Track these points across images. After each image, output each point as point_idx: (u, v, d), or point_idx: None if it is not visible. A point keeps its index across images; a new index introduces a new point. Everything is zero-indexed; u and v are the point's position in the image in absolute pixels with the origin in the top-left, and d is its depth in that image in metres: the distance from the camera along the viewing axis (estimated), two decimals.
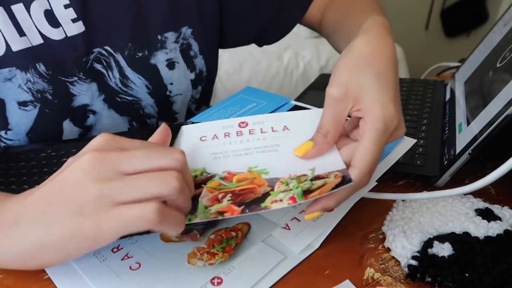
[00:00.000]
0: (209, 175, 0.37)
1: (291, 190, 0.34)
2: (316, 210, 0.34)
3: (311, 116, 0.43)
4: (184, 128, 0.43)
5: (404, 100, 0.69)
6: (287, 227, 0.40)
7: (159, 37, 0.56)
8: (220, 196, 0.34)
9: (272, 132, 0.41)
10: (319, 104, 0.45)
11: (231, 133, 0.41)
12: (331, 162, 0.36)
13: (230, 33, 0.64)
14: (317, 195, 0.33)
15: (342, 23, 0.55)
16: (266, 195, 0.34)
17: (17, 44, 0.47)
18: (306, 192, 0.33)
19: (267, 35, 0.67)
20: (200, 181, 0.36)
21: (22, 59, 0.48)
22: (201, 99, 0.66)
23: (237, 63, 1.71)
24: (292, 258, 0.38)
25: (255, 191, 0.34)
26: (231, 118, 0.44)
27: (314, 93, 0.76)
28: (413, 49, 2.39)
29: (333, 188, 0.33)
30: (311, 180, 0.34)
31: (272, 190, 0.34)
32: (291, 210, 0.42)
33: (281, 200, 0.33)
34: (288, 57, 1.79)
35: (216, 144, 0.41)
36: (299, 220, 0.40)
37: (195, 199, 0.34)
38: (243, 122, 0.43)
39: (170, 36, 0.56)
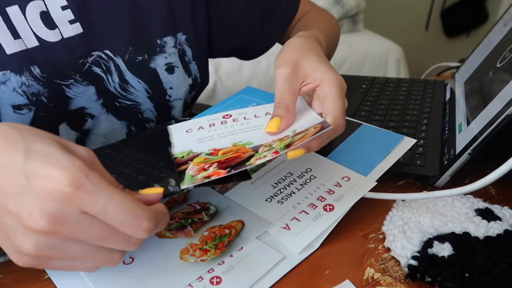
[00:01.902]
0: (196, 154, 0.39)
1: (274, 147, 0.37)
2: (299, 147, 0.36)
3: None
4: (171, 127, 0.46)
5: (404, 100, 0.69)
6: (287, 227, 0.40)
7: (158, 41, 0.56)
8: (206, 166, 0.36)
9: (254, 118, 0.44)
10: None
11: (216, 123, 0.44)
12: (308, 120, 0.40)
13: (215, 42, 0.65)
14: (298, 143, 0.36)
15: (300, 29, 0.64)
16: (250, 157, 0.36)
17: (11, 47, 0.46)
18: (288, 146, 0.36)
19: (249, 49, 0.69)
20: (186, 159, 0.38)
21: (16, 62, 0.47)
22: (190, 104, 0.68)
23: (237, 63, 1.71)
24: (292, 258, 0.38)
25: (240, 157, 0.37)
26: (215, 114, 0.46)
27: None
28: (413, 49, 2.39)
29: (315, 134, 0.36)
30: (292, 137, 0.38)
31: (257, 152, 0.37)
32: (291, 210, 0.42)
33: (264, 156, 0.36)
34: None
35: (202, 132, 0.43)
36: (299, 220, 0.40)
37: (182, 172, 0.36)
38: (227, 115, 0.45)
39: (169, 40, 0.57)
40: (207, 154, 0.39)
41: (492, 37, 0.64)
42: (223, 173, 0.35)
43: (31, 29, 0.47)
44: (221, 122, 0.44)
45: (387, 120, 0.62)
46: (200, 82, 0.64)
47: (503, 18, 0.64)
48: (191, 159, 0.38)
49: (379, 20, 2.45)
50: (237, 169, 0.35)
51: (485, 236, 0.37)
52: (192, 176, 0.35)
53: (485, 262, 0.34)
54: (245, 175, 0.39)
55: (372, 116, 0.64)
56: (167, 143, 0.42)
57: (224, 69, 1.69)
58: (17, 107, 0.49)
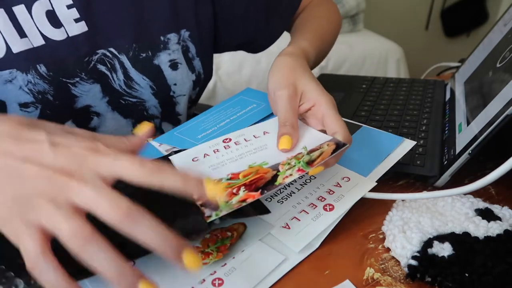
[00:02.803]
0: (216, 180, 0.37)
1: (294, 166, 0.39)
2: (320, 165, 0.39)
3: None
4: (173, 158, 0.44)
5: (404, 100, 0.69)
6: (287, 226, 0.40)
7: (162, 38, 0.56)
8: (234, 190, 0.36)
9: (255, 138, 0.45)
10: None
11: (220, 149, 0.44)
12: (314, 138, 0.43)
13: (221, 38, 0.65)
14: (320, 161, 0.39)
15: (297, 27, 0.67)
16: (275, 176, 0.38)
17: (18, 46, 0.47)
18: (309, 163, 0.39)
19: (256, 42, 0.69)
20: None
21: (23, 61, 0.48)
22: (195, 100, 0.68)
23: (237, 63, 1.71)
24: (292, 257, 0.38)
25: (264, 177, 0.38)
26: (214, 139, 0.46)
27: None
28: (413, 49, 2.39)
29: (332, 152, 0.39)
30: (308, 154, 0.40)
31: (278, 171, 0.38)
32: (291, 210, 0.42)
33: (291, 175, 0.38)
34: None
35: (210, 159, 0.42)
36: (299, 220, 0.40)
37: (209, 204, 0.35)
38: (226, 139, 0.45)
39: (173, 37, 0.57)
40: (227, 180, 0.38)
41: (492, 37, 0.64)
42: (257, 195, 0.35)
43: (37, 28, 0.48)
44: (224, 147, 0.44)
45: (387, 120, 0.62)
46: (203, 78, 0.64)
47: (503, 18, 0.64)
48: None
49: (379, 20, 2.45)
50: (269, 190, 0.36)
51: (485, 236, 0.37)
52: (227, 202, 0.35)
53: (485, 262, 0.34)
54: (264, 209, 0.41)
55: (372, 116, 0.64)
56: None
57: (224, 69, 1.69)
58: (23, 105, 0.49)
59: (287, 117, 0.43)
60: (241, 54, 1.70)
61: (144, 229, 0.26)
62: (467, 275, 0.34)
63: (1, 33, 0.46)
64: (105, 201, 0.26)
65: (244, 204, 0.35)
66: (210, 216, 0.34)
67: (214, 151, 0.44)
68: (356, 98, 0.71)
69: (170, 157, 0.44)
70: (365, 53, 1.93)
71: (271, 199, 0.43)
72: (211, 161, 0.42)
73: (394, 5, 2.57)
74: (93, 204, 0.26)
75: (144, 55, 0.55)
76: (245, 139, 0.45)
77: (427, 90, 0.72)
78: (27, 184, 0.27)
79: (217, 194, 0.28)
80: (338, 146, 0.40)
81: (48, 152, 0.28)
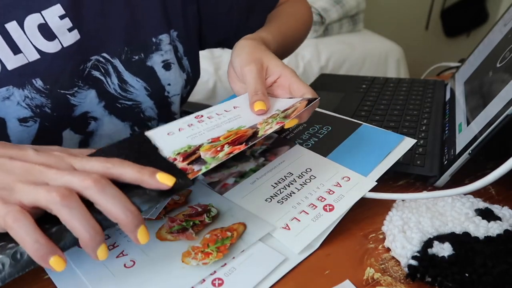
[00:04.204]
0: (197, 146, 0.39)
1: (272, 122, 0.42)
2: (295, 117, 0.43)
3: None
4: (149, 133, 0.43)
5: (404, 100, 0.69)
6: (287, 227, 0.40)
7: (153, 39, 0.56)
8: (218, 148, 0.38)
9: (226, 112, 0.46)
10: (320, 103, 0.46)
11: (194, 123, 0.44)
12: (285, 102, 0.46)
13: (204, 36, 0.66)
14: (296, 113, 0.42)
15: (266, 22, 0.70)
16: (255, 133, 0.40)
17: (12, 62, 0.47)
18: (285, 117, 0.42)
19: (236, 39, 0.70)
20: (192, 151, 0.39)
21: (18, 77, 0.47)
22: (185, 99, 0.69)
23: None
24: (292, 258, 0.38)
25: (245, 135, 0.40)
26: (186, 117, 0.46)
27: None
28: (413, 49, 2.39)
29: (306, 106, 0.43)
30: (282, 112, 0.43)
31: (258, 129, 0.41)
32: (291, 210, 0.42)
33: (271, 127, 0.41)
34: (288, 57, 1.79)
35: (186, 132, 0.43)
36: (299, 220, 0.40)
37: (197, 160, 0.37)
38: (198, 115, 0.46)
39: (164, 38, 0.57)
40: (209, 143, 0.39)
41: (492, 37, 0.64)
42: (242, 146, 0.38)
43: (31, 42, 0.47)
44: (198, 121, 0.44)
45: (387, 120, 0.62)
46: (192, 76, 0.65)
47: (503, 18, 0.64)
48: (197, 149, 0.39)
49: (379, 20, 2.45)
50: (253, 141, 0.38)
51: (485, 236, 0.37)
52: (213, 157, 0.36)
53: (485, 262, 0.34)
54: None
55: (372, 116, 0.64)
56: (154, 148, 0.40)
57: (224, 69, 1.69)
58: (22, 120, 0.49)
59: (258, 87, 0.46)
60: None
61: (108, 197, 0.30)
62: (467, 275, 0.34)
63: None
64: (78, 174, 0.31)
65: (231, 156, 0.37)
66: (200, 170, 0.35)
67: (188, 125, 0.44)
68: (356, 98, 0.71)
69: (146, 133, 0.43)
70: (365, 53, 1.93)
71: (271, 199, 0.43)
72: (188, 133, 0.42)
73: (394, 5, 2.57)
74: (68, 180, 0.31)
75: (136, 57, 0.55)
76: (217, 114, 0.45)
77: (427, 90, 0.72)
78: (11, 175, 0.32)
79: (169, 182, 0.32)
80: (310, 101, 0.44)
81: (31, 154, 0.34)
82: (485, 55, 0.62)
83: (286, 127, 0.44)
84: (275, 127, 0.40)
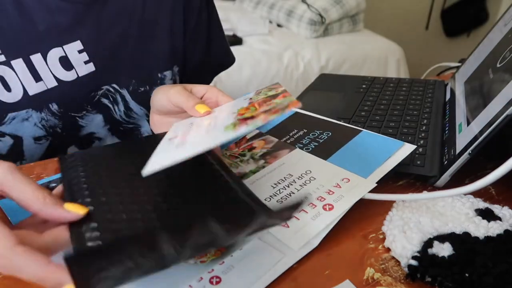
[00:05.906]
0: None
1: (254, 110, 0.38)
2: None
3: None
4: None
5: (404, 100, 0.69)
6: (286, 225, 0.40)
7: (159, 75, 0.64)
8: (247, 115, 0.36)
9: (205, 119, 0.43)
10: (320, 103, 0.46)
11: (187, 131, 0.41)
12: (235, 102, 0.44)
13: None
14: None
15: None
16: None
17: (34, 89, 0.53)
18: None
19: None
20: None
21: (38, 101, 0.53)
22: None
23: (237, 63, 1.69)
24: (291, 255, 0.38)
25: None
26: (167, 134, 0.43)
27: (314, 93, 0.76)
28: (413, 49, 2.39)
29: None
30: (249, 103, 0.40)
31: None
32: None
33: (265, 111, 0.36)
34: (288, 57, 1.79)
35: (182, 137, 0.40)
36: (298, 219, 0.40)
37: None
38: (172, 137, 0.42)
39: (168, 74, 0.65)
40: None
41: (492, 37, 0.64)
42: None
43: (51, 72, 0.54)
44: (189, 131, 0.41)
45: (387, 120, 0.62)
46: None
47: (503, 18, 0.64)
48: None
49: (379, 20, 2.45)
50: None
51: (485, 236, 0.37)
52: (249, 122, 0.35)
53: (485, 262, 0.34)
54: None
55: (372, 116, 0.64)
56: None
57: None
58: (37, 139, 0.56)
59: (191, 97, 0.44)
60: (241, 54, 1.71)
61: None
62: (467, 275, 0.34)
63: (19, 79, 0.52)
64: None
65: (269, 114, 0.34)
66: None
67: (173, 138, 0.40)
68: (356, 98, 0.71)
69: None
70: (365, 53, 1.92)
71: (270, 198, 0.43)
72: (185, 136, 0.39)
73: (394, 5, 2.57)
74: None
75: (142, 89, 0.63)
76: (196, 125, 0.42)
77: (427, 90, 0.72)
78: None
79: (78, 212, 0.31)
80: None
81: None
82: (485, 55, 0.62)
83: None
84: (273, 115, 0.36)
